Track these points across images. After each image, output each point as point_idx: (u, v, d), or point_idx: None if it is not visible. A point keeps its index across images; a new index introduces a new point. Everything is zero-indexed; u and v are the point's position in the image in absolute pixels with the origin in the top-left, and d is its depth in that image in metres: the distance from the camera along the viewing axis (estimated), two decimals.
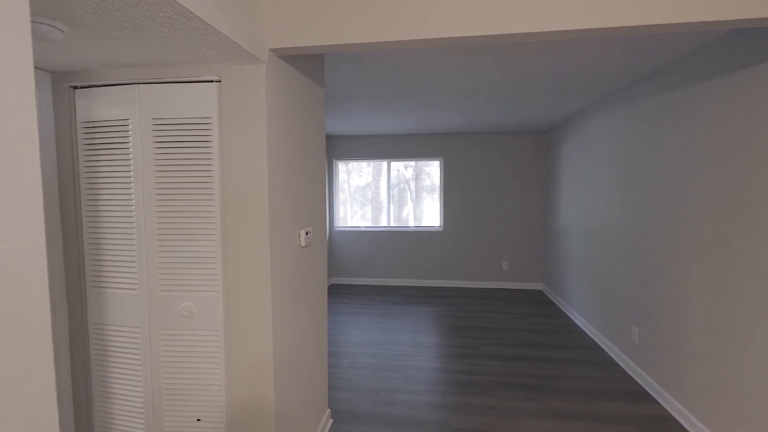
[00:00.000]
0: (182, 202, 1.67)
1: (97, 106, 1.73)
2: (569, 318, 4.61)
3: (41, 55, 1.57)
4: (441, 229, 6.10)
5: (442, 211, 6.08)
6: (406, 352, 3.66)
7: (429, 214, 6.20)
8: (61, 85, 1.76)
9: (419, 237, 6.12)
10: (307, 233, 2.02)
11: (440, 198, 6.12)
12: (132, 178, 1.71)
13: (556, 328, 4.30)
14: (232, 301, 1.68)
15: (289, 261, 1.85)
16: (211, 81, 1.63)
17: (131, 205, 1.72)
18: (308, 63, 2.05)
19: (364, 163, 6.34)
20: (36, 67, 1.70)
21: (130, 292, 1.76)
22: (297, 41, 1.59)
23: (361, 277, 6.29)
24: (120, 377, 1.81)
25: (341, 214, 6.41)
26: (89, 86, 1.74)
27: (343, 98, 3.64)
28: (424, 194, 6.21)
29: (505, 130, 5.71)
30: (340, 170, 6.38)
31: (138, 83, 1.67)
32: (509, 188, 5.91)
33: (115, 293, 1.78)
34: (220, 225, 1.66)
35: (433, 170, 6.17)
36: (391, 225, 6.27)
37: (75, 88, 1.76)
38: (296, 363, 1.95)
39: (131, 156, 1.70)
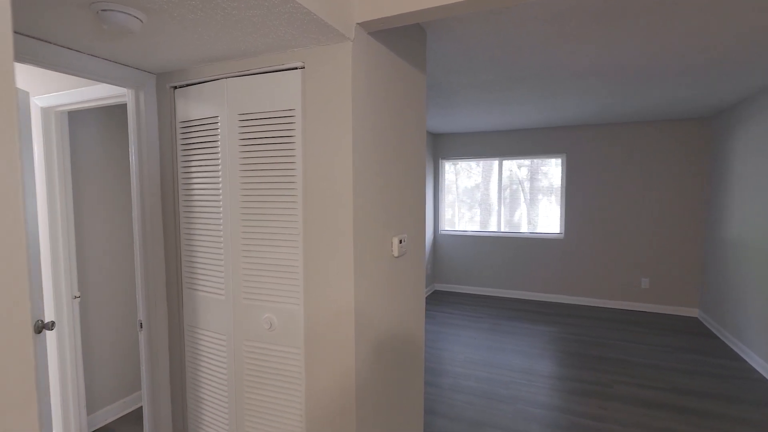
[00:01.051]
0: (265, 204, 1.53)
1: (192, 105, 1.69)
2: (742, 359, 3.53)
3: (144, 56, 1.57)
4: (561, 236, 5.31)
5: (563, 215, 5.29)
6: (516, 380, 3.15)
7: (545, 218, 5.46)
8: (164, 86, 1.77)
9: (535, 244, 5.43)
10: (401, 241, 1.74)
11: (561, 200, 5.33)
12: (220, 178, 1.63)
13: (724, 371, 3.30)
14: (312, 317, 1.48)
15: (378, 273, 1.59)
16: (295, 68, 1.45)
17: (219, 206, 1.64)
18: (406, 42, 1.77)
19: (473, 163, 5.87)
20: (141, 69, 1.73)
21: (217, 297, 1.69)
22: (388, 9, 1.31)
23: (467, 285, 5.84)
24: (209, 384, 1.76)
25: (448, 217, 6.04)
26: (186, 85, 1.71)
27: (447, 90, 3.29)
28: (540, 196, 5.49)
29: (648, 119, 4.70)
30: (447, 171, 6.01)
31: (226, 77, 1.58)
32: (652, 189, 4.85)
33: (206, 297, 1.73)
34: (302, 231, 1.47)
35: (551, 169, 5.42)
36: (503, 230, 5.68)
37: (175, 88, 1.75)
38: (385, 389, 1.68)
39: (220, 155, 1.62)
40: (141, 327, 1.86)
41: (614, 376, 3.22)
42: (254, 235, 1.56)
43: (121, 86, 1.72)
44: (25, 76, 2.29)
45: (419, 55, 1.93)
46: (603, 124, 4.99)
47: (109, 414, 2.68)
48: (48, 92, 2.20)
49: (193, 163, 1.72)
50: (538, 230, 5.50)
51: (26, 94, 1.84)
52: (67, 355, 2.38)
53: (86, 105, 2.11)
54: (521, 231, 5.59)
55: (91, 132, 2.52)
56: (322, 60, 1.40)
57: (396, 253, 1.71)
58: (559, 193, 5.38)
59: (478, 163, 5.83)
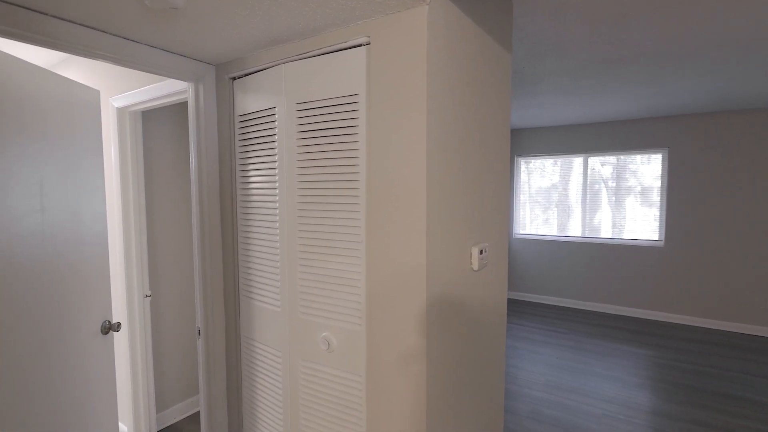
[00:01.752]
0: (323, 205, 1.33)
1: (250, 96, 1.55)
2: None
3: (200, 43, 1.46)
4: (661, 243, 4.59)
5: (663, 220, 4.56)
6: (611, 413, 2.67)
7: (636, 222, 4.75)
8: (223, 78, 1.66)
9: (625, 252, 4.75)
10: (482, 252, 1.45)
11: (661, 203, 4.60)
12: (277, 177, 1.46)
13: None
14: (376, 341, 1.25)
15: (454, 290, 1.31)
16: (359, 45, 1.22)
17: (275, 208, 1.48)
18: (490, 11, 1.47)
19: (548, 161, 5.32)
20: (199, 60, 1.63)
21: (273, 308, 1.52)
22: None
23: (544, 295, 5.30)
24: (264, 402, 1.61)
25: (520, 219, 5.54)
26: (244, 75, 1.58)
27: (529, 77, 2.90)
28: (629, 197, 4.79)
29: None
30: (521, 169, 5.52)
31: (284, 61, 1.41)
32: None
33: (262, 307, 1.58)
34: (365, 238, 1.25)
35: (642, 167, 4.71)
36: (587, 235, 5.06)
37: (234, 79, 1.63)
38: (460, 425, 1.40)
39: (277, 151, 1.45)
40: (199, 334, 1.76)
41: (742, 420, 2.61)
42: (312, 240, 1.36)
43: (181, 79, 1.64)
44: (101, 75, 2.35)
45: (505, 29, 1.61)
46: (717, 112, 4.20)
47: (177, 413, 2.70)
48: (121, 92, 2.23)
49: (251, 161, 1.57)
50: (624, 236, 4.81)
51: (96, 93, 1.83)
52: (138, 352, 2.41)
53: (156, 103, 2.10)
54: (606, 236, 4.93)
55: (163, 131, 2.54)
56: (390, 32, 1.16)
57: (476, 266, 1.42)
58: (651, 193, 4.66)
59: (555, 161, 5.27)
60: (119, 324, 1.89)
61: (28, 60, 2.34)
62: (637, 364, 3.45)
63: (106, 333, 1.86)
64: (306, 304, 1.40)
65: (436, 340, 1.20)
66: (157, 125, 2.53)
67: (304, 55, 1.35)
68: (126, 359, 2.40)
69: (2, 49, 2.07)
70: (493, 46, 1.51)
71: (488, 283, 1.58)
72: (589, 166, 5.04)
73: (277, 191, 1.46)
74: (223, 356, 1.78)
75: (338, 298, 1.31)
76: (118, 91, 2.25)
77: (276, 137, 1.45)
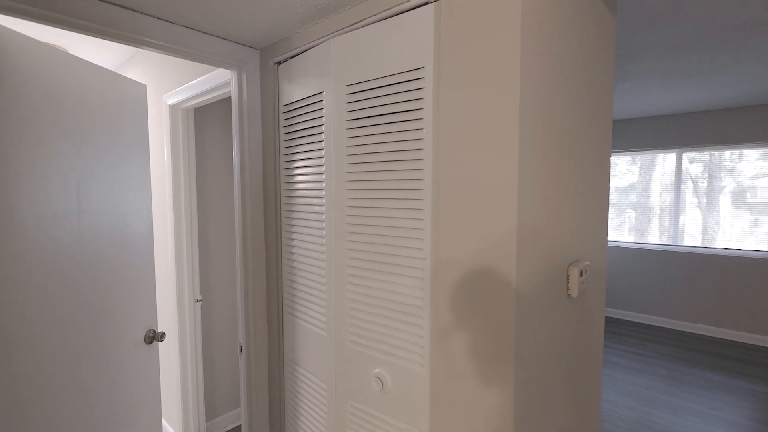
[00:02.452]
0: (378, 210, 1.07)
1: (295, 82, 1.33)
2: None
3: (243, 24, 1.26)
4: None
5: None
6: None
7: (734, 229, 3.97)
8: (267, 63, 1.46)
9: (731, 264, 4.00)
10: (582, 273, 1.11)
11: None
12: (324, 176, 1.23)
13: None
14: (443, 389, 0.97)
15: (547, 323, 0.99)
16: (425, 3, 0.94)
17: (321, 212, 1.24)
18: None
19: (625, 157, 4.67)
20: (242, 44, 1.45)
21: (318, 332, 1.29)
22: None
23: (627, 311, 4.66)
24: None
25: None
26: (290, 57, 1.36)
27: (623, 55, 2.43)
28: (726, 199, 4.02)
29: None
30: None
31: (332, 34, 1.17)
32: None
33: (306, 329, 1.36)
34: (431, 254, 0.96)
35: (738, 165, 3.93)
36: (676, 242, 4.35)
37: (279, 64, 1.42)
38: None
39: (324, 145, 1.22)
40: (241, 351, 1.59)
41: None
42: (363, 254, 1.11)
43: (224, 66, 1.46)
44: (153, 72, 2.29)
45: None
46: None
47: (228, 421, 2.60)
48: (172, 89, 2.14)
49: (296, 159, 1.36)
50: (725, 245, 4.05)
51: (143, 88, 1.73)
52: (188, 358, 2.33)
53: (205, 98, 1.97)
54: (699, 244, 4.19)
55: (214, 129, 2.45)
56: None
57: (575, 292, 1.08)
58: (754, 195, 3.86)
59: (633, 159, 4.61)
60: (163, 333, 1.78)
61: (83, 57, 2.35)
62: (757, 405, 2.82)
63: (150, 343, 1.75)
64: (356, 331, 1.14)
65: (523, 380, 0.89)
66: (209, 123, 2.44)
67: (356, 25, 1.09)
68: (176, 365, 2.32)
69: (34, 37, 2.05)
70: (596, 4, 1.16)
71: (587, 309, 1.23)
72: (683, 163, 4.33)
73: (324, 193, 1.22)
74: (265, 377, 1.59)
75: (395, 328, 1.05)
76: (169, 88, 2.17)
77: (323, 129, 1.21)
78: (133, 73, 2.47)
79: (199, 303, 2.34)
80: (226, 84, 1.76)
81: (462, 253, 0.91)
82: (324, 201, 1.22)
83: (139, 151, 1.69)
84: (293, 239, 1.39)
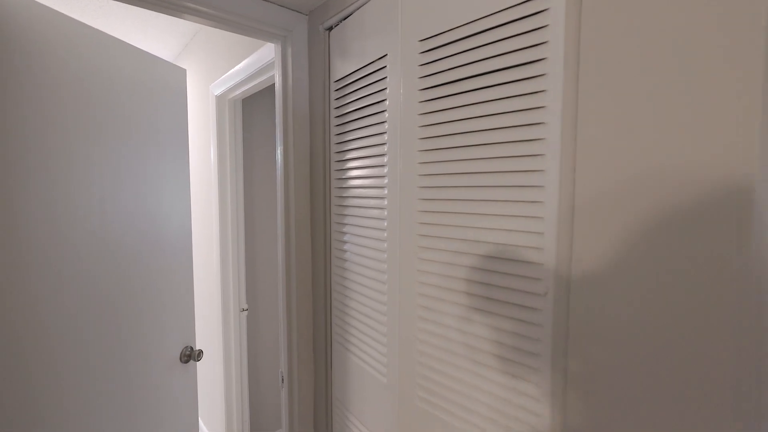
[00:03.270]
0: (466, 218, 0.73)
1: (349, 49, 1.03)
2: None
3: None
4: None
5: None
6: None
7: None
8: (316, 30, 1.17)
9: None
10: None
11: None
12: (386, 170, 0.91)
13: None
14: None
15: None
16: None
17: (383, 218, 0.93)
18: None
19: None
20: (288, 7, 1.17)
21: (376, 375, 0.98)
22: None
23: None
24: None
25: None
26: (342, 20, 1.07)
27: None
28: None
29: None
30: None
31: None
32: None
33: (360, 367, 1.05)
34: (554, 283, 0.60)
35: None
36: None
37: (330, 29, 1.13)
38: None
39: (387, 128, 0.90)
40: (282, 382, 1.32)
41: None
42: (440, 278, 0.77)
43: (266, 38, 1.21)
44: (204, 62, 2.12)
45: None
46: None
47: None
48: (218, 77, 1.96)
49: (350, 146, 1.06)
50: None
51: (182, 72, 1.53)
52: (232, 371, 2.14)
53: (251, 85, 1.75)
54: None
55: (262, 123, 2.25)
56: None
57: None
58: None
59: None
60: (201, 352, 1.57)
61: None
62: None
63: (186, 362, 1.55)
64: (428, 385, 0.81)
65: None
66: (256, 116, 2.24)
67: None
68: (220, 378, 2.14)
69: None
70: None
71: None
72: None
73: (386, 192, 0.91)
74: (309, 416, 1.31)
75: (489, 393, 0.70)
76: (215, 77, 1.98)
77: (386, 106, 0.90)
78: (185, 65, 2.34)
79: (245, 312, 2.14)
80: (271, 66, 1.52)
81: (606, 278, 0.54)
82: (386, 203, 0.91)
83: (176, 145, 1.50)
84: (345, 250, 1.10)
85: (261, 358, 2.31)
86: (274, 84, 1.67)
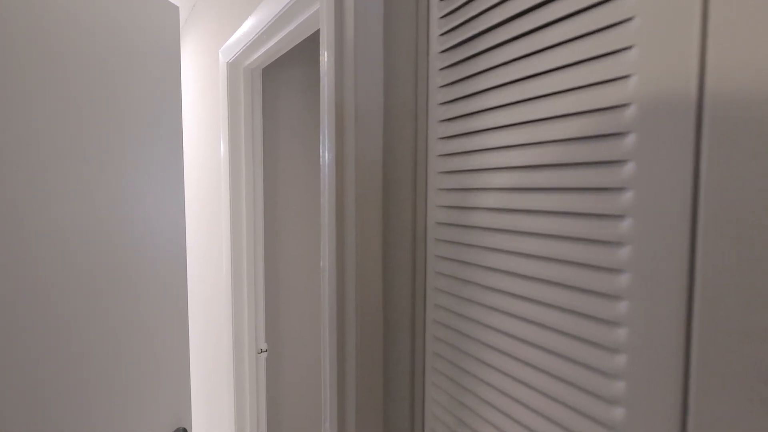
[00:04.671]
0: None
1: None
2: None
3: None
4: None
5: None
6: None
7: None
8: None
9: None
10: None
11: None
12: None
13: None
14: None
15: None
16: None
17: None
18: None
19: None
20: None
21: None
22: None
23: None
24: None
25: None
26: None
27: None
28: None
29: None
30: None
31: None
32: None
33: None
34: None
35: None
36: None
37: None
38: None
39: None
40: None
41: None
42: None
43: None
44: (214, 23, 1.59)
45: None
46: None
47: None
48: (229, 36, 1.42)
49: (477, 116, 0.49)
50: None
51: (174, 10, 1.00)
52: (246, 427, 1.62)
53: (272, 45, 1.21)
54: None
55: (288, 104, 1.71)
56: None
57: None
58: None
59: None
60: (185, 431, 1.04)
61: None
62: None
63: None
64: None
65: None
66: (281, 93, 1.69)
67: None
68: None
69: None
70: None
71: None
72: None
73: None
74: None
75: None
76: (225, 38, 1.45)
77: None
78: (192, 31, 1.81)
79: (264, 354, 1.62)
80: (300, 8, 0.96)
81: None
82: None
83: (162, 124, 0.96)
84: (466, 288, 0.54)
85: (285, 411, 1.79)
86: (306, 45, 1.13)
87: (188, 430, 1.06)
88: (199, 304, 1.81)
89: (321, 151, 0.73)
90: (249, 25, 1.21)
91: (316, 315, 1.83)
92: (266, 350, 1.63)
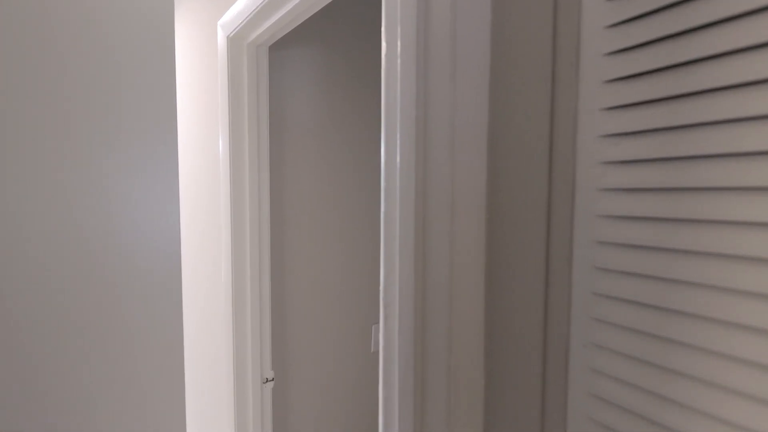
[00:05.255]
0: None
1: None
2: None
3: None
4: None
5: None
6: None
7: None
8: None
9: None
10: None
11: None
12: None
13: None
14: None
15: None
16: None
17: None
18: None
19: None
20: None
21: None
22: None
23: None
24: None
25: None
26: None
27: None
28: None
29: None
30: None
31: None
32: None
33: None
34: None
35: None
36: None
37: None
38: None
39: None
40: None
41: None
42: None
43: None
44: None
45: None
46: None
47: None
48: (229, 4, 1.18)
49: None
50: None
51: None
52: None
53: (285, 12, 0.98)
54: None
55: (302, 86, 1.46)
56: None
57: None
58: None
59: None
60: None
61: None
62: None
63: None
64: None
65: None
66: (295, 71, 1.45)
67: None
68: None
69: None
70: None
71: None
72: None
73: None
74: None
75: None
76: (225, 6, 1.20)
77: None
78: (189, 6, 1.56)
79: (270, 384, 1.38)
80: None
81: None
82: None
83: (151, 118, 0.72)
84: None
85: None
86: (321, 20, 0.89)
87: None
88: (192, 325, 1.57)
89: (382, 135, 0.49)
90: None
91: (331, 339, 1.59)
92: (272, 379, 1.39)
